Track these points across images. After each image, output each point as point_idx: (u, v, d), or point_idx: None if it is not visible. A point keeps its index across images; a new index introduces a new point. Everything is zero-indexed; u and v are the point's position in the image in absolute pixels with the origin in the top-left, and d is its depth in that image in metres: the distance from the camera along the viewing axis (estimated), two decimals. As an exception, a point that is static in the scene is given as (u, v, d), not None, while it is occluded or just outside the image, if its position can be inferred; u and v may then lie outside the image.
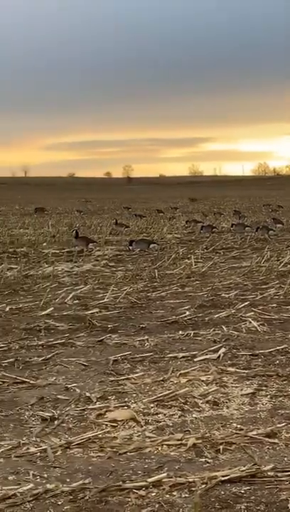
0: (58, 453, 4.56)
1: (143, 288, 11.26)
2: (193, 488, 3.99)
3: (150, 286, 11.48)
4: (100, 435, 4.83)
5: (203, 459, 4.46)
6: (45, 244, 18.57)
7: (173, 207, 39.68)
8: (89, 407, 5.44)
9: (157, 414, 5.27)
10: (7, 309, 9.53)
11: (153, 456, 4.50)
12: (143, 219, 29.20)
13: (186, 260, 14.48)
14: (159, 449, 4.62)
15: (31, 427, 5.04)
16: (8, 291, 11.04)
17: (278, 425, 4.99)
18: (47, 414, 5.27)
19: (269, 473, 4.17)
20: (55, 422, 5.11)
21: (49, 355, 7.04)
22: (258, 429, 4.92)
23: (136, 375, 6.31)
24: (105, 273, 13.11)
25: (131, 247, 16.57)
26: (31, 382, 6.12)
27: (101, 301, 10.01)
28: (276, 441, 4.72)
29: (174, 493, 3.97)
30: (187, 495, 3.95)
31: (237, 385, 5.99)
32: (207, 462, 4.42)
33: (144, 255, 15.86)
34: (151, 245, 16.76)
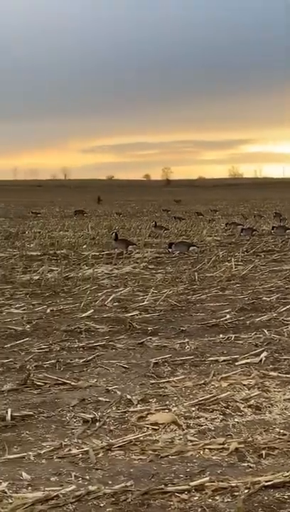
0: (100, 455, 4.57)
1: (183, 291, 11.23)
2: (236, 493, 3.96)
3: (190, 288, 11.44)
4: (141, 438, 4.83)
5: (246, 464, 4.42)
6: (84, 246, 18.67)
7: (213, 209, 39.54)
8: (130, 409, 5.44)
9: (198, 417, 5.24)
10: (48, 311, 9.60)
11: (195, 460, 4.48)
12: (182, 221, 29.15)
13: (226, 263, 14.41)
14: (201, 452, 4.59)
15: (73, 429, 5.06)
16: (49, 293, 11.13)
17: None
18: (88, 415, 5.28)
19: (313, 480, 4.10)
20: (97, 424, 5.12)
21: (90, 357, 7.06)
22: (301, 434, 4.86)
23: (177, 378, 6.29)
24: (145, 275, 13.12)
25: (170, 250, 16.55)
26: (72, 383, 6.15)
27: (141, 304, 10.01)
28: None
29: (217, 498, 3.94)
30: (229, 500, 3.91)
31: (279, 389, 5.93)
32: (250, 467, 4.37)
33: (184, 258, 15.82)
34: (191, 248, 16.72)
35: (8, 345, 7.61)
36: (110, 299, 10.34)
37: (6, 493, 3.97)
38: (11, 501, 3.89)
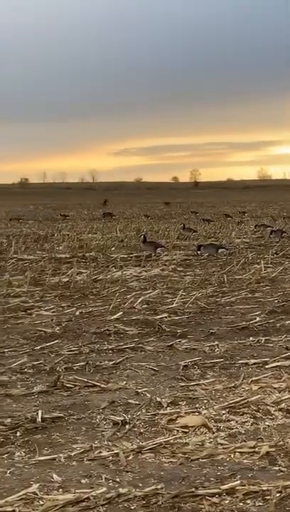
0: (130, 457, 4.57)
1: (212, 293, 11.19)
2: (267, 497, 3.93)
3: (219, 291, 11.40)
4: (172, 441, 4.81)
5: (277, 468, 4.38)
6: (113, 248, 18.71)
7: (242, 211, 39.36)
8: (160, 412, 5.43)
9: (229, 421, 5.21)
10: (77, 313, 9.64)
11: (225, 464, 4.45)
12: (211, 223, 29.07)
13: (255, 265, 14.32)
14: (232, 456, 4.57)
15: (103, 431, 5.06)
16: (78, 295, 11.17)
17: None
18: (118, 418, 5.28)
19: None
20: (127, 427, 5.11)
21: (119, 360, 7.07)
22: None
23: (207, 381, 6.27)
24: (173, 278, 13.10)
25: (199, 252, 16.51)
26: (102, 386, 6.16)
27: (170, 306, 10.00)
28: None
29: (248, 502, 3.92)
30: (261, 503, 3.88)
31: (310, 392, 5.86)
32: (281, 471, 4.34)
33: (213, 260, 15.77)
34: (220, 250, 16.65)
35: (38, 347, 7.66)
36: (139, 301, 10.34)
37: (37, 494, 3.99)
38: (42, 503, 3.91)
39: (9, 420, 5.23)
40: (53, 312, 9.74)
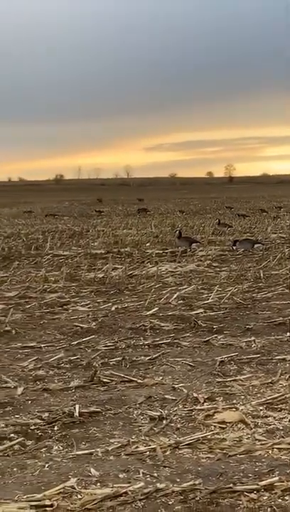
0: (167, 452, 4.57)
1: (249, 288, 11.12)
2: (306, 494, 3.89)
3: (255, 286, 11.32)
4: (209, 436, 4.80)
5: (316, 465, 4.33)
6: (148, 244, 18.72)
7: (277, 206, 39.02)
8: (197, 407, 5.42)
9: (267, 417, 5.18)
10: (113, 309, 9.67)
11: (263, 460, 4.42)
12: (246, 218, 28.90)
13: (292, 260, 14.18)
14: (270, 452, 4.53)
15: (140, 426, 5.07)
16: (114, 291, 11.20)
17: None
18: (155, 413, 5.28)
19: None
20: (164, 422, 5.11)
21: (155, 355, 7.07)
22: None
23: (244, 376, 6.23)
24: (209, 273, 13.05)
25: (234, 247, 16.42)
26: (139, 381, 6.17)
27: (205, 302, 9.97)
28: None
29: (286, 498, 3.89)
30: (300, 500, 3.85)
31: None
32: None
33: (248, 255, 15.67)
34: (256, 245, 16.54)
35: (75, 342, 7.70)
36: (174, 296, 10.33)
37: (75, 488, 4.01)
38: (80, 497, 3.93)
39: (47, 414, 5.27)
40: (89, 308, 9.78)
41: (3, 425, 5.08)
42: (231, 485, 4.01)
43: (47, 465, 4.41)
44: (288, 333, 7.91)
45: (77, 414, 5.24)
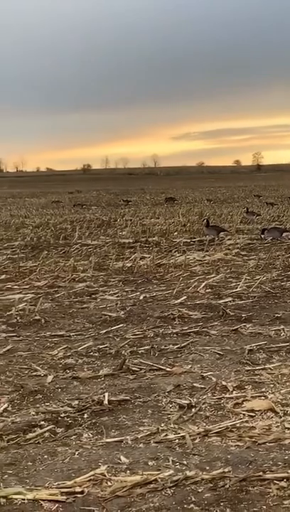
0: (196, 440, 4.58)
1: (277, 277, 11.06)
2: None
3: (284, 275, 11.25)
4: (238, 424, 4.80)
5: None
6: (176, 233, 18.70)
7: (306, 194, 38.64)
8: (226, 396, 5.42)
9: (296, 405, 5.15)
10: (141, 297, 9.68)
11: (293, 448, 4.41)
12: (274, 207, 28.68)
13: None
14: (299, 440, 4.51)
15: (169, 414, 5.09)
16: (142, 280, 11.21)
17: None
18: (184, 401, 5.30)
19: None
20: (193, 410, 5.12)
21: (184, 344, 7.08)
22: None
23: (273, 365, 6.21)
24: (237, 262, 13.00)
25: (263, 236, 16.32)
26: (167, 369, 6.18)
27: (234, 290, 9.94)
28: None
29: (316, 487, 3.87)
30: None
31: None
32: None
33: (277, 244, 15.57)
34: (284, 234, 16.42)
35: (104, 331, 7.74)
36: (203, 285, 10.31)
37: (105, 476, 4.04)
38: (110, 484, 3.96)
39: (77, 402, 5.32)
40: (117, 297, 9.81)
41: (33, 413, 5.14)
42: (260, 473, 4.01)
43: (77, 452, 4.45)
44: (317, 322, 7.86)
45: (107, 402, 5.28)
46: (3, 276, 11.69)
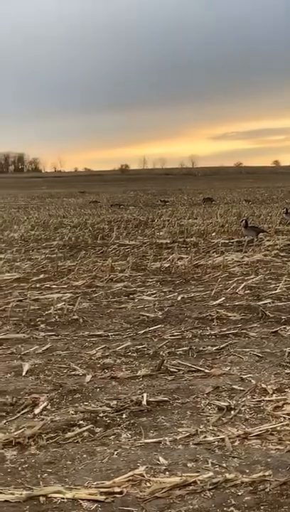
0: (236, 443, 4.54)
1: (317, 279, 10.91)
2: None
3: None
4: (278, 428, 4.75)
5: None
6: (214, 234, 18.61)
7: None
8: (266, 398, 5.36)
9: None
10: (179, 298, 9.65)
11: None
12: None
13: None
14: None
15: (208, 416, 5.05)
16: (179, 281, 11.19)
17: None
18: (223, 403, 5.26)
19: None
20: (232, 412, 5.08)
21: (222, 345, 7.03)
22: None
23: (314, 368, 6.12)
24: (276, 263, 12.88)
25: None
26: (206, 371, 6.15)
27: (273, 292, 9.84)
28: None
29: None
30: None
31: None
32: None
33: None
34: None
35: (141, 331, 7.73)
36: (241, 286, 10.24)
37: (144, 476, 4.03)
38: (149, 485, 3.94)
39: (115, 402, 5.32)
40: (155, 297, 9.80)
41: (72, 412, 5.15)
42: (302, 477, 3.95)
43: (116, 452, 4.45)
44: None
45: (145, 403, 5.27)
46: (41, 276, 11.78)
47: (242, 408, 5.17)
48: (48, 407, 5.30)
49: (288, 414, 4.98)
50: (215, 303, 9.19)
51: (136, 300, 9.64)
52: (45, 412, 5.18)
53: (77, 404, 5.34)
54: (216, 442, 4.55)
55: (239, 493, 3.83)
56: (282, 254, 14.23)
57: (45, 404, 5.33)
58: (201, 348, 6.95)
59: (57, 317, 8.59)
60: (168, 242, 16.84)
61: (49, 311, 8.84)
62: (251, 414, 5.07)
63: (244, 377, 5.93)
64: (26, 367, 6.31)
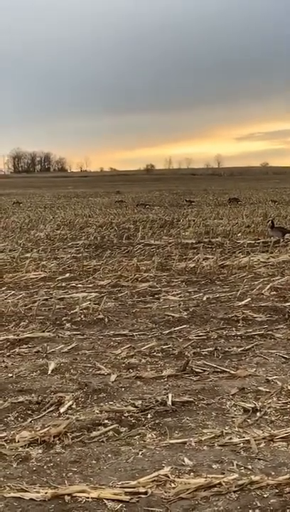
0: (261, 445, 4.51)
1: None
2: None
3: None
4: (304, 430, 4.70)
5: None
6: (239, 234, 18.53)
7: None
8: (292, 400, 5.32)
9: None
10: (204, 299, 9.62)
11: None
12: None
13: None
14: None
15: (233, 417, 5.03)
16: (205, 281, 11.15)
17: None
18: (248, 405, 5.23)
19: None
20: (257, 414, 5.05)
21: (248, 346, 6.99)
22: None
23: None
24: (303, 264, 12.78)
25: None
26: (231, 372, 6.12)
27: (299, 293, 9.76)
28: None
29: None
30: None
31: None
32: None
33: None
34: None
35: (166, 331, 7.72)
36: (267, 287, 10.17)
37: (169, 477, 4.02)
38: (173, 486, 3.93)
39: (140, 402, 5.31)
40: (180, 297, 9.78)
41: (97, 411, 5.16)
42: None
43: (140, 452, 4.44)
44: None
45: (170, 403, 5.26)
46: (67, 275, 11.82)
47: (268, 410, 5.14)
48: (73, 406, 5.31)
49: (314, 416, 4.93)
50: (240, 304, 9.14)
51: (161, 300, 9.62)
52: (70, 411, 5.19)
53: (102, 404, 5.35)
54: (241, 444, 4.53)
55: (265, 496, 3.81)
56: (309, 255, 14.10)
57: (71, 403, 5.34)
58: (227, 349, 6.92)
59: (82, 316, 8.62)
60: (194, 242, 16.79)
61: (74, 310, 8.87)
62: (277, 416, 5.03)
63: (270, 378, 5.89)
64: (52, 366, 6.33)
